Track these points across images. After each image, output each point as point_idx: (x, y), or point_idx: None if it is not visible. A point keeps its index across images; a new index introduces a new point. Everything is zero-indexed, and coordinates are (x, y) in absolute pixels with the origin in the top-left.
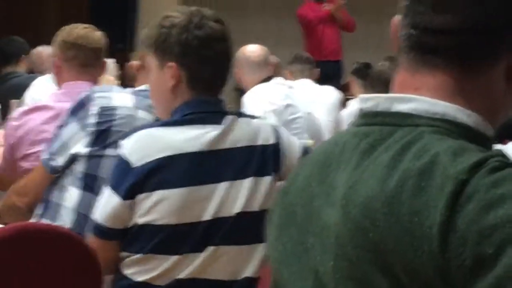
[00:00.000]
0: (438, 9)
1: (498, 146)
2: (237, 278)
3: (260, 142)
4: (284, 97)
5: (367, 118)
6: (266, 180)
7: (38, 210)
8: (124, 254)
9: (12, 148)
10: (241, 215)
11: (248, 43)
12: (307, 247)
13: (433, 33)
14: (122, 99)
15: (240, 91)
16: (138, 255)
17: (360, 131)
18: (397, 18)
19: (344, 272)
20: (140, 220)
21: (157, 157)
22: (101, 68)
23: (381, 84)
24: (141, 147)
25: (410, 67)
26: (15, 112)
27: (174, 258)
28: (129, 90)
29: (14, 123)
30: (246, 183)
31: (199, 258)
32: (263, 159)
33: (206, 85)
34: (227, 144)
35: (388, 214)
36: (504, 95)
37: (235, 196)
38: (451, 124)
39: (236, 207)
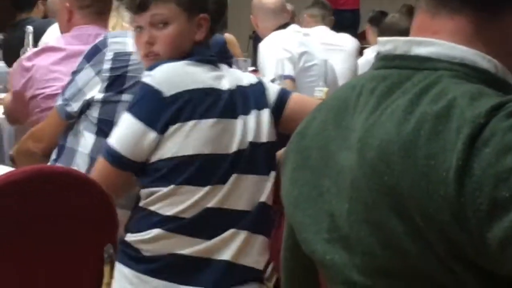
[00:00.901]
0: None
1: None
2: (253, 207)
3: (247, 83)
4: (299, 44)
5: (385, 61)
6: (265, 112)
7: (53, 156)
8: (151, 189)
9: (23, 87)
10: (253, 145)
11: None
12: (322, 191)
13: None
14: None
15: (257, 38)
16: (168, 188)
17: (378, 74)
18: None
19: (359, 215)
20: (170, 153)
21: (190, 88)
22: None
23: (393, 34)
24: (171, 77)
25: (429, 10)
26: (26, 54)
27: (206, 188)
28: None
29: (25, 63)
30: (251, 117)
31: (224, 188)
32: (255, 95)
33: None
34: (233, 84)
35: (405, 158)
36: None
37: (247, 129)
38: (469, 69)
39: (249, 139)
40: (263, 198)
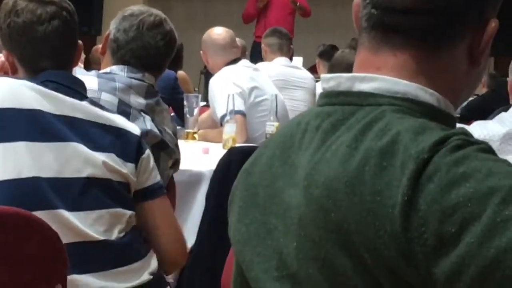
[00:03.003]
0: None
1: (461, 126)
2: None
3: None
4: (250, 79)
5: (329, 98)
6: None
7: None
8: None
9: None
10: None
11: (213, 26)
12: (271, 228)
13: (395, 12)
14: (86, 82)
15: (208, 74)
16: None
17: (323, 111)
18: None
19: (308, 253)
20: None
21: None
22: None
23: (343, 69)
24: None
25: (372, 47)
26: None
27: None
28: (93, 72)
29: None
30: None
31: None
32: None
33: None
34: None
35: (351, 194)
36: (465, 75)
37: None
38: (413, 103)
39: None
40: None
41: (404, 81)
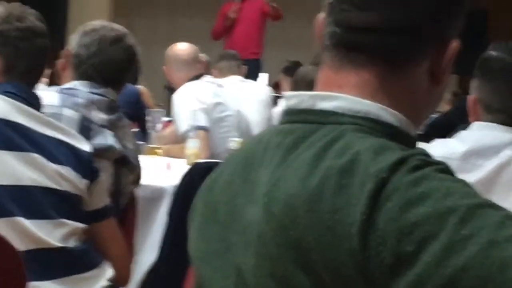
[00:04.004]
0: (362, 7)
1: (422, 145)
2: None
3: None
4: (213, 95)
5: (291, 115)
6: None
7: None
8: None
9: None
10: None
11: (177, 41)
12: (230, 245)
13: (357, 31)
14: (48, 98)
15: (170, 89)
16: None
17: (284, 128)
18: (321, 16)
19: (266, 270)
20: None
21: None
22: None
23: (306, 85)
24: None
25: (334, 65)
26: None
27: None
28: (54, 88)
29: None
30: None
31: None
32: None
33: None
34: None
35: (310, 212)
36: (427, 94)
37: None
38: (373, 122)
39: None
40: None
41: (366, 101)
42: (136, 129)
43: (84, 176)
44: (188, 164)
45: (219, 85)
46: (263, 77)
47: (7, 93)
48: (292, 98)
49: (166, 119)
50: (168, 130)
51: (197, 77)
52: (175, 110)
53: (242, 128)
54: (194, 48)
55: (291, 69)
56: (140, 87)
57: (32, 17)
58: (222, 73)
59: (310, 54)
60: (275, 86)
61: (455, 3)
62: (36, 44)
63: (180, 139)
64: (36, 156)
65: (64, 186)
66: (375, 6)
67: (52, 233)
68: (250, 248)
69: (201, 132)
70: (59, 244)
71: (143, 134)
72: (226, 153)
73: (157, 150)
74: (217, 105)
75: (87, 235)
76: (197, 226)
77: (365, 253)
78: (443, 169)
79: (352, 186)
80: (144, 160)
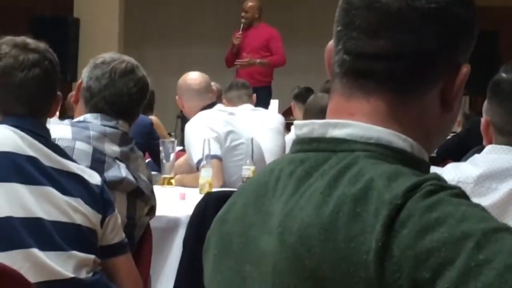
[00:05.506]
0: (371, 35)
1: (435, 169)
2: None
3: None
4: (225, 123)
5: (303, 144)
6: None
7: None
8: None
9: None
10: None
11: (189, 70)
12: (245, 276)
13: (367, 58)
14: (60, 131)
15: (184, 118)
16: None
17: (296, 158)
18: (331, 44)
19: None
20: None
21: None
22: None
23: (317, 113)
24: None
25: (344, 93)
26: None
27: None
28: (67, 121)
29: None
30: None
31: None
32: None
33: None
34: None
35: (325, 241)
36: (438, 119)
37: None
38: (386, 149)
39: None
40: None
41: (377, 127)
42: (149, 160)
43: (97, 210)
44: (202, 193)
45: (231, 113)
46: (274, 104)
47: (13, 127)
48: (303, 127)
49: (179, 148)
50: (181, 159)
51: (209, 106)
52: (188, 140)
53: (255, 156)
54: (206, 77)
55: (302, 95)
56: (153, 118)
57: (40, 48)
58: (232, 103)
59: (320, 79)
60: (287, 112)
61: (466, 29)
62: (40, 74)
63: (193, 168)
64: (49, 189)
65: (76, 219)
66: (384, 34)
67: (64, 265)
68: (265, 278)
69: (214, 161)
70: (71, 275)
71: (156, 165)
72: (239, 181)
73: (170, 180)
74: (229, 134)
75: (99, 266)
76: (211, 258)
77: (382, 280)
78: (458, 193)
79: (367, 214)
80: (157, 191)
